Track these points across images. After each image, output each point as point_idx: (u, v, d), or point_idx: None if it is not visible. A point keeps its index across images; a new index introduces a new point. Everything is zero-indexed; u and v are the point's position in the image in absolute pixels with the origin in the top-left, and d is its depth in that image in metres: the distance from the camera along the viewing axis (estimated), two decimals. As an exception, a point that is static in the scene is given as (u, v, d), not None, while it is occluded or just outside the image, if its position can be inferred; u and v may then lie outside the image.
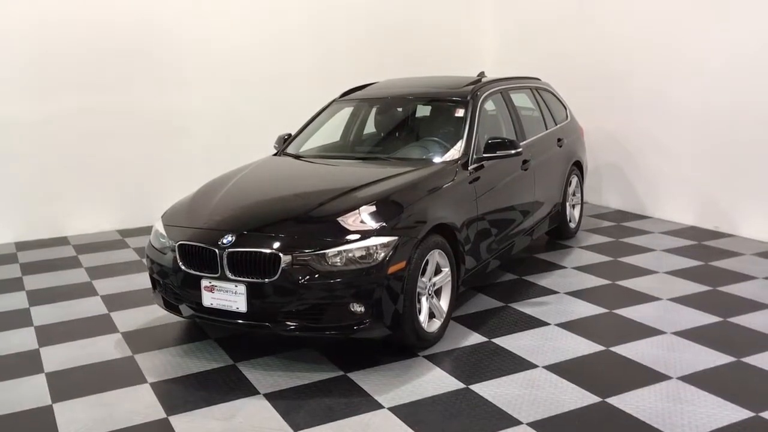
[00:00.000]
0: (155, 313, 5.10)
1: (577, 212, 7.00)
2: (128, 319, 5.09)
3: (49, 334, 4.87)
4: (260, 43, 8.30)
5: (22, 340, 4.80)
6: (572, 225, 6.85)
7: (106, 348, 4.61)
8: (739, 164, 6.74)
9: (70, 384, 4.10)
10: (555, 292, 5.38)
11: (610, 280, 5.62)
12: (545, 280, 5.65)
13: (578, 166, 6.92)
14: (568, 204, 6.72)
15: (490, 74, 6.52)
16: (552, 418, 3.57)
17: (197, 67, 8.01)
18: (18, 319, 5.18)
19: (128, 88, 7.70)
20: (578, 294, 5.32)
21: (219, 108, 8.15)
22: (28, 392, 4.01)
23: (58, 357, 4.49)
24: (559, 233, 6.76)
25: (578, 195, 7.02)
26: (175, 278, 4.34)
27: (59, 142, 7.50)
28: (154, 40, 7.76)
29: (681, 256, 6.21)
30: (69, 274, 6.27)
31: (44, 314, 5.26)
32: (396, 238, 4.09)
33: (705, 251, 6.35)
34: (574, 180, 6.86)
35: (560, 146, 6.48)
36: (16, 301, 5.59)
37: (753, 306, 5.00)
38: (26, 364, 4.40)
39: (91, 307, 5.41)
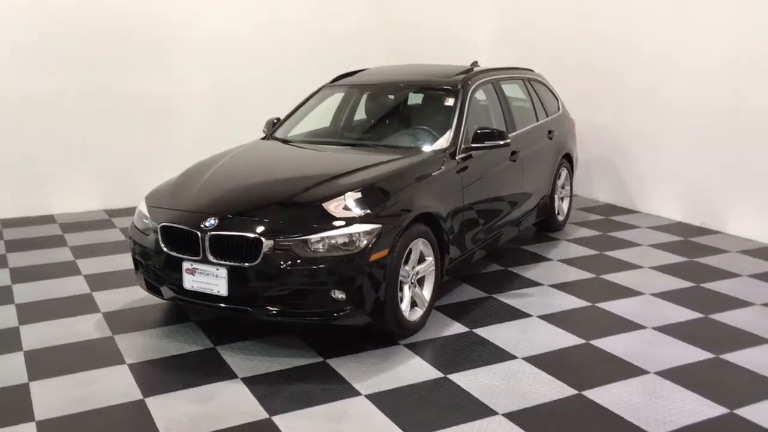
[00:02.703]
0: (137, 294, 5.08)
1: (565, 205, 6.99)
2: (110, 300, 5.07)
3: (30, 313, 4.85)
4: (253, 27, 8.24)
5: (2, 317, 4.77)
6: (560, 217, 6.85)
7: (86, 328, 4.60)
8: (727, 161, 6.74)
9: (48, 363, 4.09)
10: (539, 284, 5.38)
11: (595, 274, 5.63)
12: (530, 272, 5.65)
13: (568, 159, 6.91)
14: (556, 196, 6.72)
15: (484, 64, 6.49)
16: (528, 409, 3.57)
17: (188, 49, 7.95)
18: None
19: (119, 69, 7.63)
20: (562, 287, 5.33)
21: (210, 91, 8.10)
22: (6, 370, 4.00)
23: (37, 335, 4.47)
24: (546, 225, 6.76)
25: (567, 188, 7.02)
26: (157, 260, 4.33)
27: (48, 121, 7.43)
28: (145, 21, 7.69)
29: (666, 252, 6.22)
30: (53, 252, 6.24)
31: (26, 292, 5.24)
32: (379, 225, 4.08)
33: (691, 247, 6.36)
34: (564, 172, 6.85)
35: (550, 138, 6.47)
36: (-1, 278, 5.58)
37: (735, 303, 5.02)
38: (5, 341, 4.38)
39: (73, 286, 5.38)
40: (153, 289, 4.49)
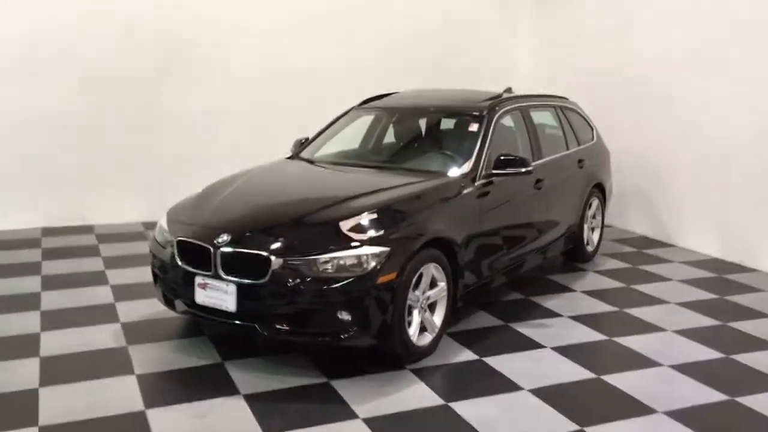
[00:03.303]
0: (158, 307, 5.12)
1: (596, 235, 6.87)
2: (131, 311, 5.18)
3: (53, 320, 4.98)
4: (293, 45, 8.39)
5: (26, 323, 4.92)
6: (590, 248, 6.73)
7: (103, 337, 4.70)
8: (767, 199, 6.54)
9: (61, 370, 4.19)
10: (558, 315, 5.29)
11: (618, 307, 5.51)
12: (551, 302, 5.57)
13: (600, 189, 6.80)
14: (586, 226, 6.61)
15: (520, 90, 6.46)
16: (525, 442, 3.51)
17: (229, 66, 8.14)
18: (27, 303, 5.31)
19: (161, 84, 7.86)
20: (581, 319, 5.23)
21: (249, 107, 8.27)
22: (19, 375, 4.11)
23: (55, 342, 4.59)
24: (575, 255, 6.65)
25: (599, 218, 6.90)
26: (173, 273, 4.41)
27: (92, 133, 7.68)
28: (188, 38, 7.91)
29: (697, 288, 6.05)
30: (86, 262, 6.41)
31: (53, 300, 5.39)
32: (388, 248, 4.08)
33: (723, 285, 6.18)
34: (595, 202, 6.75)
35: (581, 167, 6.39)
36: (30, 284, 5.73)
37: (760, 344, 4.85)
38: (24, 346, 4.51)
39: (99, 295, 5.52)
40: (168, 301, 4.57)
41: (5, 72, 7.25)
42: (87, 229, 7.58)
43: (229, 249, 4.12)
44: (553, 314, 5.31)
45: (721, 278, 6.38)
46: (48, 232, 7.41)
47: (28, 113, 7.38)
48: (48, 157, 7.53)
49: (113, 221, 7.86)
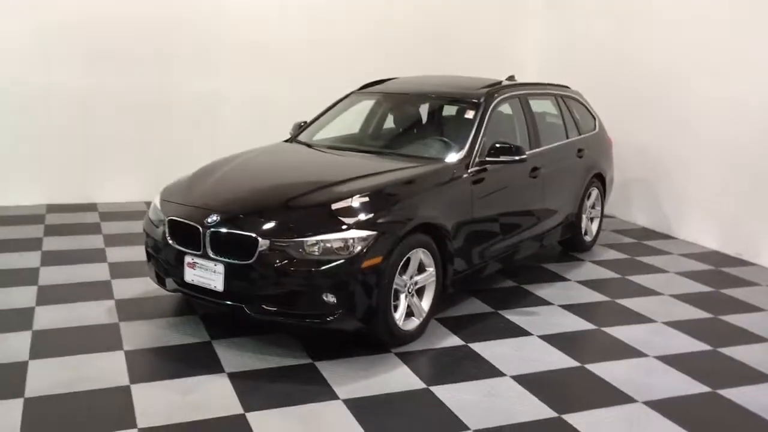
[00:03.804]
0: (151, 285, 5.19)
1: (595, 226, 6.85)
2: (126, 288, 5.25)
3: (49, 295, 5.06)
4: (295, 32, 8.39)
5: (22, 297, 5.00)
6: (588, 238, 6.72)
7: (96, 313, 4.77)
8: (768, 192, 6.50)
9: (51, 344, 4.27)
10: (549, 304, 5.30)
11: (610, 298, 5.51)
12: (543, 291, 5.58)
13: (600, 179, 6.77)
14: (584, 216, 6.59)
15: (525, 80, 6.44)
16: (501, 427, 3.54)
17: (231, 50, 8.16)
18: (25, 277, 5.39)
19: (165, 67, 7.90)
20: (572, 308, 5.24)
21: (250, 92, 8.29)
22: (11, 348, 4.18)
23: (49, 317, 4.67)
24: (573, 245, 6.65)
25: (598, 208, 6.88)
26: (164, 252, 4.47)
27: (98, 112, 7.75)
28: (191, 22, 7.94)
29: (693, 281, 6.04)
30: (87, 239, 6.49)
31: (51, 275, 5.47)
32: (375, 232, 4.10)
33: (719, 277, 6.16)
34: (594, 192, 6.72)
35: (580, 157, 6.37)
36: (30, 260, 5.81)
37: (749, 338, 4.84)
38: (18, 320, 4.59)
39: (96, 272, 5.59)
40: (160, 280, 4.63)
41: (12, 51, 7.31)
42: (91, 207, 7.66)
43: (218, 229, 4.17)
44: (544, 302, 5.33)
45: (718, 271, 6.35)
46: (53, 209, 7.49)
47: (36, 92, 7.45)
48: (54, 136, 7.60)
49: (117, 200, 7.94)
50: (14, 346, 4.21)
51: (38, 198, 7.65)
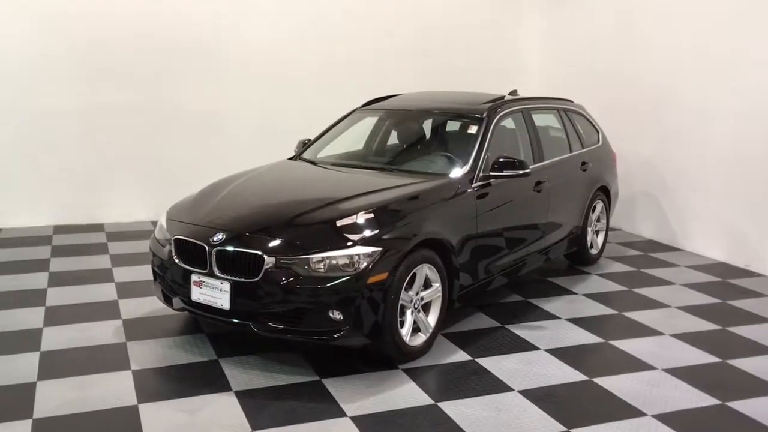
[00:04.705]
0: (158, 304, 5.20)
1: (600, 238, 6.85)
2: (133, 307, 5.27)
3: (56, 315, 5.08)
4: (302, 48, 8.47)
5: (30, 317, 5.02)
6: (593, 251, 6.72)
7: (103, 333, 4.78)
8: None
9: (59, 364, 4.27)
10: (556, 318, 5.29)
11: (617, 311, 5.50)
12: (550, 305, 5.57)
13: (605, 192, 6.78)
14: (590, 229, 6.59)
15: (529, 94, 6.47)
16: (510, 443, 3.53)
17: (237, 66, 8.23)
18: (33, 298, 5.41)
19: (171, 84, 7.98)
20: (579, 321, 5.22)
21: (255, 107, 8.35)
22: (19, 368, 4.20)
23: (56, 337, 4.68)
24: (579, 258, 6.64)
25: (603, 221, 6.87)
26: (171, 271, 4.49)
27: (103, 133, 7.81)
28: (197, 38, 8.02)
29: (700, 292, 6.02)
30: (94, 259, 6.52)
31: (58, 296, 5.49)
32: (380, 248, 4.11)
33: (727, 289, 6.13)
34: (599, 205, 6.73)
35: (584, 170, 6.37)
36: (37, 281, 5.84)
37: (758, 349, 4.82)
38: (26, 341, 4.61)
39: (103, 292, 5.61)
40: (167, 299, 4.64)
41: (18, 72, 7.40)
42: (97, 228, 7.69)
43: (224, 248, 4.18)
44: (551, 316, 5.31)
45: (725, 283, 6.33)
46: (59, 230, 7.53)
47: (42, 113, 7.53)
48: (60, 157, 7.66)
49: (123, 220, 7.98)
50: (22, 367, 4.23)
51: (46, 219, 7.70)
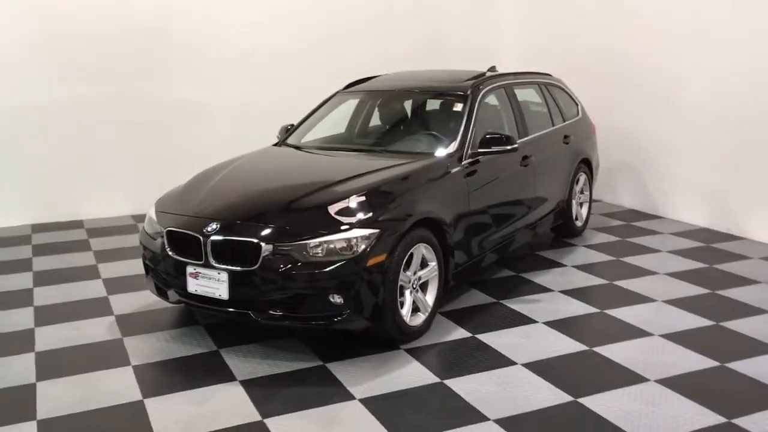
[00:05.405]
0: (151, 298, 5.15)
1: (584, 210, 6.91)
2: (124, 303, 5.20)
3: (47, 315, 4.99)
4: (281, 37, 8.37)
5: (20, 319, 4.93)
6: (579, 223, 6.77)
7: (98, 330, 4.72)
8: (753, 167, 6.58)
9: (57, 364, 4.21)
10: (549, 290, 5.33)
11: (608, 280, 5.56)
12: (542, 278, 5.61)
13: (587, 164, 6.83)
14: (574, 201, 6.64)
15: (506, 69, 6.47)
16: (520, 415, 3.56)
17: (217, 58, 8.11)
18: (20, 299, 5.31)
19: (148, 77, 7.83)
20: (572, 293, 5.27)
21: (238, 99, 8.24)
22: (16, 370, 4.13)
23: (50, 337, 4.60)
24: (565, 231, 6.69)
25: (587, 193, 6.93)
26: (164, 264, 4.42)
27: (79, 127, 7.65)
28: (175, 31, 7.88)
29: (686, 258, 6.11)
30: (77, 257, 6.41)
31: (46, 295, 5.39)
32: (377, 230, 4.10)
33: (712, 254, 6.23)
34: (582, 177, 6.78)
35: (567, 143, 6.41)
36: (22, 281, 5.73)
37: (749, 311, 4.91)
38: (20, 342, 4.53)
39: (91, 289, 5.52)
40: (161, 292, 4.58)
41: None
42: (77, 224, 7.56)
43: (218, 237, 4.14)
44: (544, 289, 5.36)
45: (709, 247, 6.43)
46: (38, 228, 7.39)
47: (15, 109, 7.35)
48: (36, 153, 7.49)
49: (102, 215, 7.85)
50: (19, 368, 4.15)
51: (22, 218, 7.54)
